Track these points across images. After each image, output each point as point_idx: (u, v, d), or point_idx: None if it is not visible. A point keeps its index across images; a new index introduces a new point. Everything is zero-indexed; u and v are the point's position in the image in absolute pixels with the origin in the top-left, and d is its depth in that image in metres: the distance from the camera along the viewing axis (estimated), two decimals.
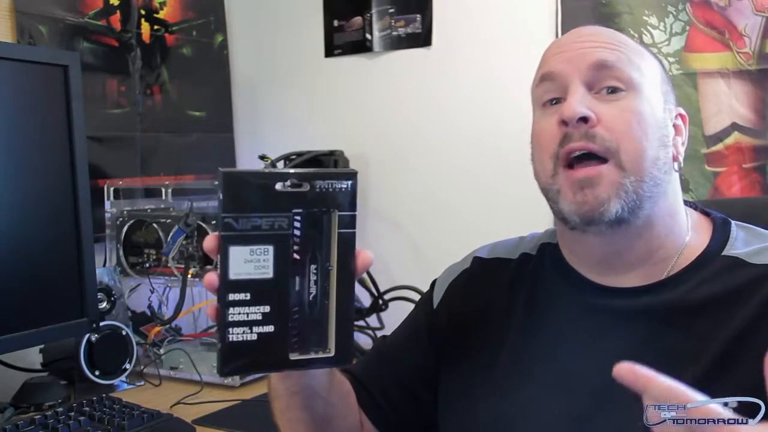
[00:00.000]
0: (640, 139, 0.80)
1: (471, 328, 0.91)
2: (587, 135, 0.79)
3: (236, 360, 0.64)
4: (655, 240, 0.83)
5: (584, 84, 0.81)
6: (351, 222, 0.66)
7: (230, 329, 0.63)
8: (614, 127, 0.79)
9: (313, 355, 0.67)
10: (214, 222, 1.55)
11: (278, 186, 0.63)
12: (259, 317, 0.64)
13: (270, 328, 0.65)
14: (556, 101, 0.83)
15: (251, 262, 0.64)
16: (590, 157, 0.79)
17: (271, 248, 0.64)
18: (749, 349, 0.75)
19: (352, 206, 0.66)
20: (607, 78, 0.81)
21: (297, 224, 0.65)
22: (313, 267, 0.66)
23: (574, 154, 0.80)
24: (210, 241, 0.65)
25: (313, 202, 0.65)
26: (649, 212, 0.81)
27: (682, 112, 0.88)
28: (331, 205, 0.65)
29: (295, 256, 0.66)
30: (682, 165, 0.85)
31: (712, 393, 0.74)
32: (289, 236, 0.65)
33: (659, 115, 0.83)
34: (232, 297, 0.63)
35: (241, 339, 0.64)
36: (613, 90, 0.81)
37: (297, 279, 0.66)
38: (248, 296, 0.64)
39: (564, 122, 0.80)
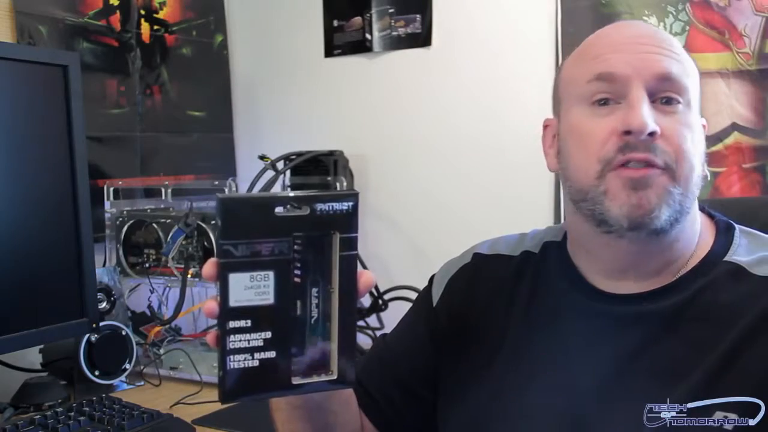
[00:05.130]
0: (693, 155, 0.79)
1: (471, 326, 0.91)
2: (649, 147, 0.77)
3: (238, 387, 0.63)
4: (678, 250, 0.83)
5: (647, 92, 0.78)
6: (352, 244, 0.65)
7: (231, 356, 0.62)
8: (673, 141, 0.78)
9: (315, 378, 0.66)
10: (213, 222, 1.55)
11: (278, 210, 0.62)
12: (260, 343, 0.63)
13: (272, 354, 0.64)
14: (606, 101, 0.80)
15: (252, 288, 0.62)
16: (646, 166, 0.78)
17: (271, 274, 0.63)
18: (745, 363, 0.75)
19: (354, 228, 0.65)
20: (668, 89, 0.79)
21: (298, 248, 0.64)
22: (314, 290, 0.65)
23: (631, 163, 0.77)
24: (209, 268, 0.63)
25: (314, 225, 0.63)
26: (682, 225, 0.80)
27: (705, 122, 0.86)
28: (332, 228, 0.64)
29: (296, 280, 0.64)
30: (708, 177, 0.84)
31: (703, 397, 0.75)
32: (290, 261, 0.63)
33: (701, 130, 0.82)
34: (232, 324, 0.62)
35: (242, 366, 0.63)
36: (669, 101, 0.79)
37: (298, 303, 0.65)
38: (249, 323, 0.63)
39: (628, 132, 0.77)
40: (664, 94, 0.79)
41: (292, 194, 0.63)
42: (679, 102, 0.79)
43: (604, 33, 0.85)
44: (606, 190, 0.78)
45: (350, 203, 0.64)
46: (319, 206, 0.63)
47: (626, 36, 0.83)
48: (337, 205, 0.64)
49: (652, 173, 0.77)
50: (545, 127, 0.90)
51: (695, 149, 0.80)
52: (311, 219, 0.63)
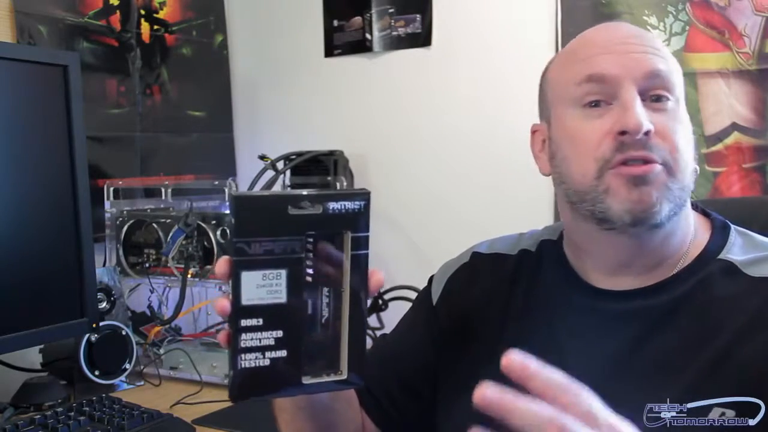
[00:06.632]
0: (686, 149, 0.80)
1: (469, 325, 0.91)
2: (646, 145, 0.78)
3: (249, 385, 0.63)
4: (674, 244, 0.83)
5: (638, 91, 0.79)
6: (364, 243, 0.65)
7: (242, 355, 0.62)
8: (667, 138, 0.79)
9: (325, 378, 0.66)
10: (213, 222, 1.55)
11: (291, 209, 0.62)
12: (271, 342, 0.63)
13: (283, 353, 0.63)
14: (597, 103, 0.81)
15: (264, 286, 0.62)
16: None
17: (284, 272, 0.63)
18: (740, 361, 0.75)
19: (365, 227, 0.65)
20: (658, 87, 0.80)
21: (310, 247, 0.64)
22: (325, 289, 0.65)
23: (630, 161, 0.78)
24: (221, 266, 0.63)
25: (326, 224, 0.63)
26: (677, 218, 0.81)
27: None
28: (344, 227, 0.64)
29: (308, 279, 0.64)
30: (698, 171, 0.85)
31: (701, 397, 0.75)
32: (302, 260, 0.63)
33: (690, 125, 0.83)
34: (244, 323, 0.62)
35: (253, 365, 0.63)
36: (659, 98, 0.80)
37: (310, 302, 0.65)
38: (261, 321, 0.62)
39: (623, 132, 0.78)
40: (655, 91, 0.80)
41: (305, 193, 0.63)
42: (668, 99, 0.81)
43: (591, 35, 0.86)
44: (607, 189, 0.79)
45: (362, 202, 0.64)
46: (332, 205, 0.63)
47: (614, 37, 0.83)
48: (349, 204, 0.64)
49: (652, 170, 0.78)
50: (533, 132, 0.91)
51: (687, 144, 0.81)
52: (323, 218, 0.63)
